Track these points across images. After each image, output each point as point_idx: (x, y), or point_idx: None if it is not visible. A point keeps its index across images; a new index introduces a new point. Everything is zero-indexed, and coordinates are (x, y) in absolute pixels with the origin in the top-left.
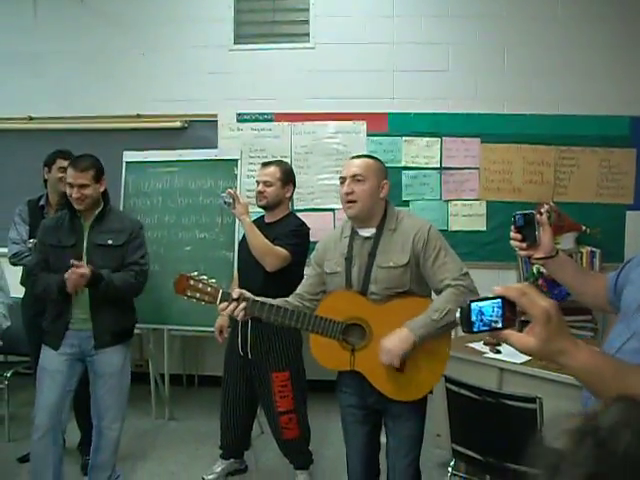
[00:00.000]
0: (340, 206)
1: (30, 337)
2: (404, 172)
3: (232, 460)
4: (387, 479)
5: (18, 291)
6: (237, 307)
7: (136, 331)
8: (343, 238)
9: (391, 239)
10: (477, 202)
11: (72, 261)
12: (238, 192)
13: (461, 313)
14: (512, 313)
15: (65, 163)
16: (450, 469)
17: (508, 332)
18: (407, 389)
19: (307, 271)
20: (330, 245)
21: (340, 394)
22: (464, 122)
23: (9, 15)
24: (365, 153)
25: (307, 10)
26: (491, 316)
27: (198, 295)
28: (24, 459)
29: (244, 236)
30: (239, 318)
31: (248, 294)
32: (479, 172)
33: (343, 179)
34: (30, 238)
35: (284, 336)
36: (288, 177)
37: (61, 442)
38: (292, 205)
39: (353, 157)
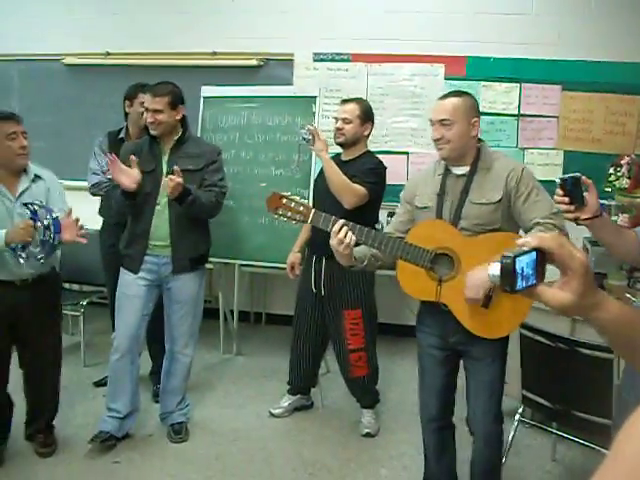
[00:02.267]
0: (414, 150)
1: (107, 267)
2: (481, 118)
3: (299, 396)
4: (467, 424)
5: (96, 222)
6: (347, 232)
7: (207, 266)
8: (436, 176)
9: (485, 177)
10: (554, 151)
11: (175, 167)
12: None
13: (503, 270)
14: (542, 267)
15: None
16: (518, 415)
17: (541, 288)
18: (490, 326)
19: (397, 210)
20: (421, 182)
21: (420, 333)
22: (545, 68)
23: None
24: (455, 90)
25: None
26: (529, 272)
27: (289, 214)
28: (100, 383)
29: (320, 173)
30: (346, 244)
31: (342, 220)
32: (558, 121)
33: (432, 122)
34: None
35: (357, 274)
36: (367, 115)
37: (138, 364)
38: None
39: (441, 97)
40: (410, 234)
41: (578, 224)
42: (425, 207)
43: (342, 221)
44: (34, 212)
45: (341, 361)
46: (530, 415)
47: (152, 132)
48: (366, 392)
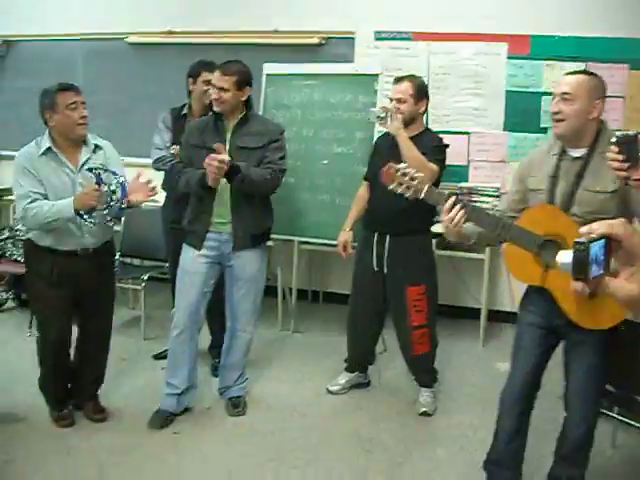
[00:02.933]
0: (475, 129)
1: (168, 242)
2: (544, 97)
3: (356, 374)
4: (565, 408)
5: (159, 199)
6: (459, 210)
7: (267, 244)
8: (551, 155)
9: (602, 162)
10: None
11: (215, 145)
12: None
13: (577, 257)
14: (609, 256)
15: (210, 76)
16: None
17: (608, 279)
18: (595, 316)
19: (510, 187)
20: (535, 162)
21: (523, 311)
22: (611, 47)
23: None
24: (583, 70)
25: None
26: (600, 260)
27: (404, 186)
28: (159, 356)
29: (375, 150)
30: (455, 222)
31: (454, 197)
32: (624, 101)
33: (554, 96)
34: (172, 145)
35: (420, 251)
36: (421, 92)
37: (197, 340)
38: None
39: (568, 73)
40: (521, 218)
41: (627, 184)
42: (537, 190)
43: (454, 198)
44: (99, 177)
45: (403, 338)
46: None
47: (215, 109)
48: (426, 370)
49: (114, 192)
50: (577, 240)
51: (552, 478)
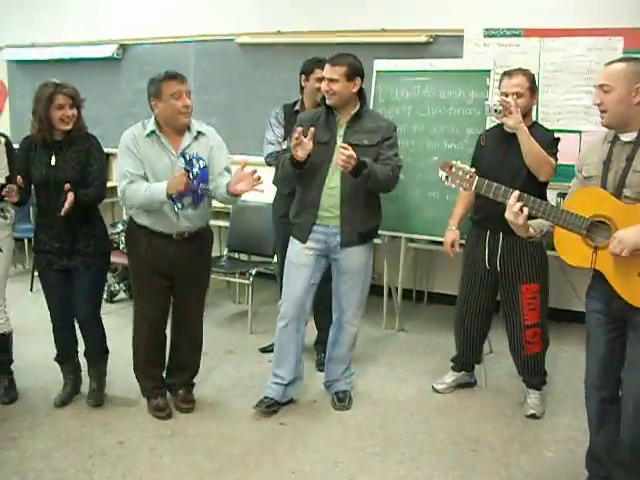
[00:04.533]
0: (586, 128)
1: (278, 235)
2: None
3: (462, 373)
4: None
5: (267, 196)
6: (523, 205)
7: (375, 241)
8: (606, 143)
9: None
10: None
11: (340, 144)
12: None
13: None
14: None
15: (323, 73)
16: None
17: None
18: None
19: (573, 180)
20: (591, 151)
21: (587, 298)
22: None
23: None
24: (625, 56)
25: None
26: None
27: (458, 181)
28: (266, 350)
29: (478, 148)
30: (523, 217)
31: (517, 192)
32: None
33: (595, 88)
34: (285, 140)
35: (534, 249)
36: (535, 85)
37: (303, 332)
38: None
39: (608, 63)
40: (567, 202)
41: None
42: (590, 176)
43: (517, 193)
44: (188, 162)
45: (515, 338)
46: None
47: (328, 102)
48: (536, 371)
49: (195, 177)
50: None
51: None
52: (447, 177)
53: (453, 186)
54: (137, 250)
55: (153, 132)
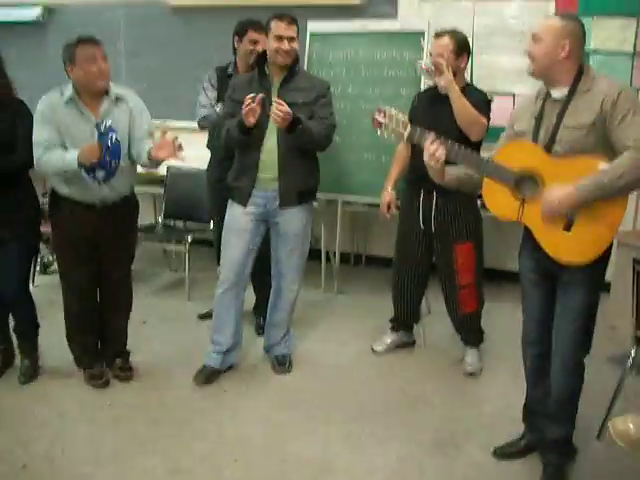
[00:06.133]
0: (520, 90)
1: (214, 201)
2: (592, 56)
3: (401, 332)
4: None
5: (201, 162)
6: (439, 146)
7: None
8: (538, 100)
9: (582, 100)
10: None
11: (275, 99)
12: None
13: None
14: None
15: (256, 36)
16: (631, 358)
17: None
18: (571, 250)
19: (502, 134)
20: (524, 107)
21: (520, 257)
22: None
23: None
24: (567, 14)
25: None
26: None
27: (391, 129)
28: (204, 316)
29: (415, 105)
30: (436, 157)
31: (432, 133)
32: None
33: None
34: (217, 103)
35: (468, 208)
36: (462, 47)
37: (243, 298)
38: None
39: (547, 16)
40: (498, 154)
41: None
42: (522, 132)
43: (433, 134)
44: (101, 134)
45: (450, 297)
46: None
47: (284, 62)
48: (472, 329)
49: (107, 149)
50: None
51: (535, 441)
52: (381, 124)
53: (385, 135)
54: (60, 220)
55: (71, 98)
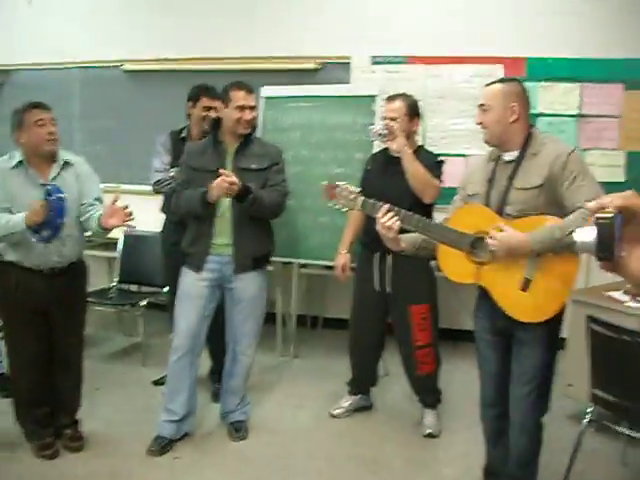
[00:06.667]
0: (472, 152)
1: (168, 265)
2: (540, 119)
3: (359, 396)
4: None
5: (156, 225)
6: (392, 217)
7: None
8: (489, 162)
9: (532, 162)
10: (616, 152)
11: (221, 171)
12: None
13: (601, 233)
14: (621, 232)
15: (210, 102)
16: (588, 415)
17: (626, 258)
18: (529, 309)
19: (455, 197)
20: (476, 169)
21: (475, 318)
22: (606, 67)
23: None
24: (502, 77)
25: None
26: (619, 236)
27: (343, 201)
28: (158, 382)
29: (365, 172)
30: (393, 232)
31: (386, 205)
32: (620, 121)
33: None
34: (172, 167)
35: (423, 270)
36: (414, 110)
37: (197, 365)
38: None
39: (487, 84)
40: (450, 219)
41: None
42: (475, 194)
43: (386, 206)
44: (47, 193)
45: (407, 358)
46: (599, 417)
47: (244, 131)
48: (430, 390)
49: (52, 209)
50: (600, 215)
51: None
52: (332, 197)
53: (337, 207)
54: (6, 288)
55: (20, 162)
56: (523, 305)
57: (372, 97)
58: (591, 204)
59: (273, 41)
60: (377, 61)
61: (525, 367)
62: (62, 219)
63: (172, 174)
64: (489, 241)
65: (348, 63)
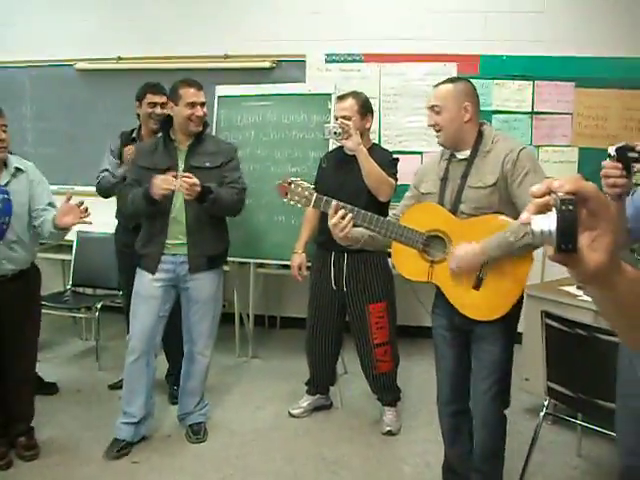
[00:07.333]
0: (427, 149)
1: (122, 267)
2: (494, 116)
3: (318, 396)
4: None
5: (109, 227)
6: (345, 216)
7: (223, 268)
8: (442, 161)
9: (484, 160)
10: (569, 148)
11: (180, 173)
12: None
13: (564, 220)
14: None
15: (155, 98)
16: (544, 408)
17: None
18: (481, 307)
19: (406, 194)
20: (429, 168)
21: (433, 315)
22: (558, 66)
23: None
24: (450, 77)
25: None
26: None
27: (297, 198)
28: (115, 386)
29: (320, 170)
30: (346, 230)
31: (336, 201)
32: (572, 117)
33: (428, 110)
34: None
35: (379, 268)
36: (366, 108)
37: (154, 366)
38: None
39: (436, 85)
40: (404, 217)
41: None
42: (428, 193)
43: (335, 202)
44: None
45: (365, 357)
46: (555, 410)
47: (196, 129)
48: (389, 388)
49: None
50: (562, 197)
51: None
52: (287, 193)
53: (291, 203)
54: None
55: None
56: (475, 304)
57: (327, 95)
58: (536, 187)
59: (228, 40)
60: (332, 59)
61: (485, 362)
62: (7, 218)
63: (118, 173)
64: (450, 264)
65: (303, 61)
